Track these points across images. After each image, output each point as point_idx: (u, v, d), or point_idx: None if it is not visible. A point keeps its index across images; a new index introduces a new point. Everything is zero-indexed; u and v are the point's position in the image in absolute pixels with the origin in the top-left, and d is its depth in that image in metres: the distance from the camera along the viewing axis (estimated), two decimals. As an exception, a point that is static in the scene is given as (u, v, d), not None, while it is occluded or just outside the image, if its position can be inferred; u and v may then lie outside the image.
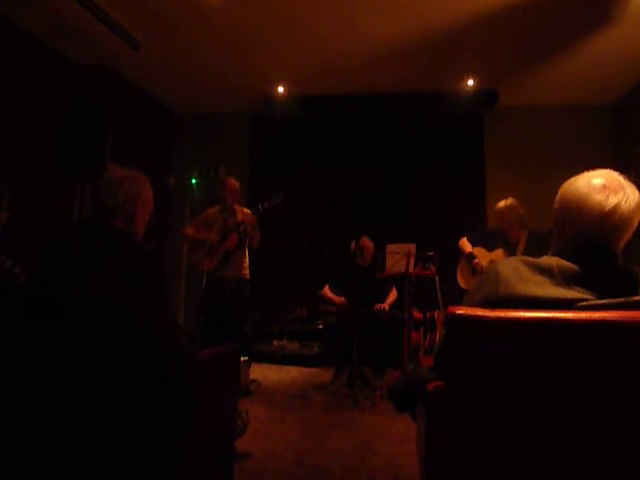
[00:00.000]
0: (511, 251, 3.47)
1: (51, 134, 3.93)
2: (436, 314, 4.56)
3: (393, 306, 4.29)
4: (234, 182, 3.98)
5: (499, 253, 3.54)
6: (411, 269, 3.85)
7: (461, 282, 3.75)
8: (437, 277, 4.08)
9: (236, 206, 3.99)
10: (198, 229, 3.91)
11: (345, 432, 2.85)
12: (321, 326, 5.08)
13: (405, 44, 4.31)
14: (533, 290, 1.06)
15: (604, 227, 1.08)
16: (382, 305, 4.21)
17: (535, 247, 3.21)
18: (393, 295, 4.36)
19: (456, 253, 3.83)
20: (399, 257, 3.85)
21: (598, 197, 1.09)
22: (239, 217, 3.90)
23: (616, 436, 0.99)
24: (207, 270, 3.75)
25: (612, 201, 1.07)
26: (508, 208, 3.51)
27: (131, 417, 1.22)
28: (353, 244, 4.33)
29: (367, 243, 4.37)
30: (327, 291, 4.42)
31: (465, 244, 3.74)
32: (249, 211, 3.94)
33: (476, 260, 3.60)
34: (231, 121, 6.04)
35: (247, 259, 3.98)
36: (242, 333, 3.82)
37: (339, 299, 4.28)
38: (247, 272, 3.97)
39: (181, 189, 5.94)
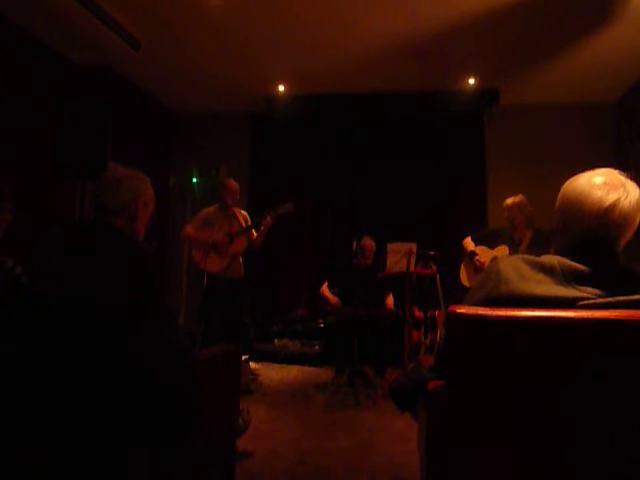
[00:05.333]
0: (515, 248, 3.47)
1: (52, 134, 3.93)
2: (437, 313, 4.57)
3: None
4: (235, 184, 4.00)
5: (502, 249, 3.55)
6: (412, 268, 3.86)
7: (464, 280, 3.76)
8: (438, 276, 4.08)
9: (235, 208, 4.01)
10: (198, 229, 3.93)
11: (346, 431, 2.85)
12: (322, 325, 5.09)
13: (406, 43, 4.30)
14: (534, 289, 1.06)
15: (604, 223, 1.08)
16: (389, 305, 4.26)
17: (538, 246, 3.21)
18: (390, 300, 4.39)
19: (458, 252, 3.85)
20: (400, 256, 3.85)
21: (598, 193, 1.09)
22: (241, 220, 3.96)
23: (617, 435, 0.99)
24: (214, 271, 3.80)
25: (612, 197, 1.08)
26: (516, 205, 3.48)
27: (132, 417, 1.22)
28: (355, 244, 4.32)
29: (369, 243, 4.36)
30: (325, 289, 4.42)
31: (468, 243, 3.75)
32: (246, 213, 4.03)
33: (477, 257, 3.61)
34: (232, 120, 6.04)
35: (241, 259, 4.04)
36: (243, 331, 3.85)
37: (334, 300, 4.29)
38: (243, 271, 4.03)
39: (182, 189, 5.95)
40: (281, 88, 5.29)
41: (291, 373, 4.48)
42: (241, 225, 3.93)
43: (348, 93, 5.37)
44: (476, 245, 3.72)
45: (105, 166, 1.61)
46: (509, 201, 3.53)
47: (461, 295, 1.24)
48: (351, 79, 5.06)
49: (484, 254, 3.63)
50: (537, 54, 4.46)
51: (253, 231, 3.91)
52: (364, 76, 4.98)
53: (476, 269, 3.62)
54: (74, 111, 2.41)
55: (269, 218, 3.79)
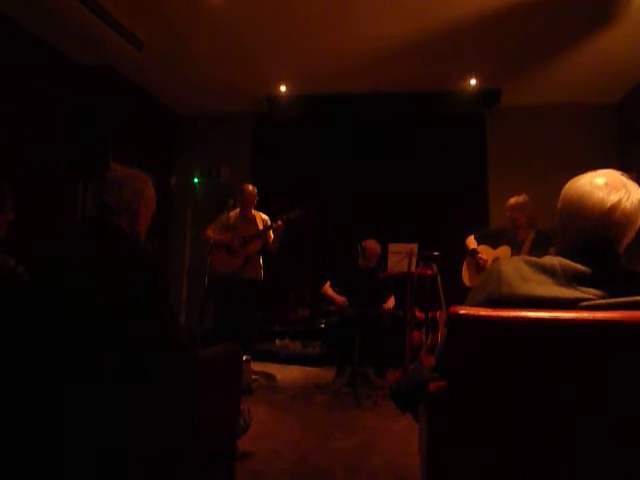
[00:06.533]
0: (517, 248, 3.45)
1: (54, 134, 3.94)
2: (438, 314, 4.56)
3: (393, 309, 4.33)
4: (252, 188, 4.12)
5: (504, 250, 3.52)
6: (413, 269, 3.85)
7: (465, 279, 3.75)
8: (439, 277, 4.07)
9: (254, 212, 4.13)
10: (217, 231, 4.06)
11: (346, 432, 2.85)
12: (323, 326, 5.08)
13: (407, 44, 4.30)
14: (535, 290, 1.06)
15: (606, 224, 1.08)
16: (387, 306, 4.24)
17: (540, 247, 3.20)
18: (392, 302, 4.38)
19: (459, 253, 3.84)
20: (401, 257, 3.84)
21: (600, 194, 1.09)
22: (259, 223, 4.07)
23: (618, 435, 0.99)
24: (227, 271, 3.94)
25: (613, 198, 1.07)
26: (519, 205, 3.43)
27: (132, 415, 1.22)
28: (357, 245, 4.35)
29: (372, 245, 4.35)
30: (328, 289, 4.42)
31: (471, 241, 3.73)
32: (267, 217, 4.14)
33: (479, 255, 3.59)
34: (233, 120, 6.05)
35: (261, 260, 4.16)
36: (247, 331, 3.93)
37: (340, 299, 4.28)
38: (262, 272, 4.16)
39: (183, 189, 5.96)
40: (283, 88, 5.29)
41: (292, 373, 4.48)
42: (258, 229, 4.04)
43: (350, 93, 5.37)
44: (479, 244, 3.70)
45: (107, 166, 1.61)
46: (512, 201, 3.48)
47: (462, 296, 1.24)
48: (353, 79, 5.06)
49: (486, 253, 3.61)
50: (538, 55, 4.46)
51: (271, 233, 4.01)
52: (366, 77, 4.98)
53: (478, 267, 3.61)
54: (76, 111, 2.42)
55: (280, 222, 3.90)
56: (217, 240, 4.00)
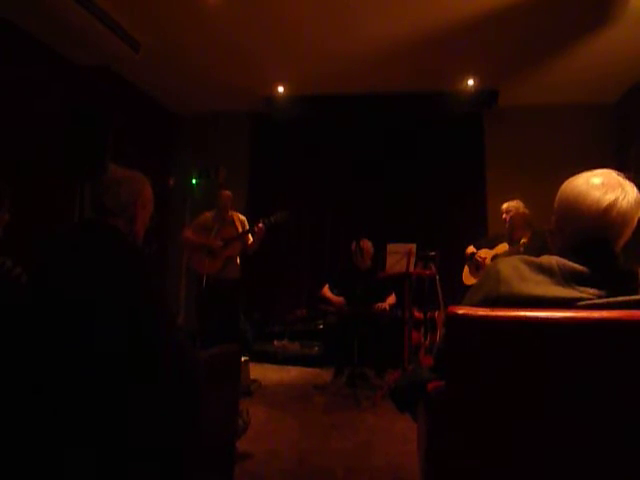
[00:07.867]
0: (515, 245, 3.52)
1: (52, 135, 3.93)
2: (437, 314, 4.57)
3: (393, 307, 4.31)
4: (228, 193, 4.10)
5: (503, 246, 3.60)
6: (411, 269, 3.86)
7: (465, 279, 3.82)
8: (437, 277, 4.08)
9: (231, 212, 4.11)
10: (196, 232, 4.04)
11: (346, 432, 2.85)
12: (321, 326, 5.08)
13: (405, 44, 4.31)
14: (533, 289, 1.06)
15: (602, 224, 1.08)
16: (382, 304, 4.22)
17: (535, 247, 3.24)
18: (392, 299, 4.38)
19: (457, 253, 3.91)
20: (399, 257, 3.85)
21: (596, 194, 1.09)
22: (237, 225, 4.05)
23: (617, 435, 0.99)
24: (209, 273, 3.90)
25: (610, 197, 1.08)
26: (513, 208, 3.59)
27: (132, 417, 1.22)
28: (354, 245, 4.35)
29: (367, 245, 4.37)
30: (326, 291, 4.43)
31: (470, 250, 3.84)
32: (244, 217, 4.13)
33: (477, 255, 3.68)
34: (231, 121, 6.04)
35: (238, 261, 4.13)
36: (242, 332, 3.91)
37: (337, 299, 4.30)
38: (240, 272, 4.13)
39: (181, 190, 5.95)
40: (280, 89, 5.29)
41: (290, 374, 4.48)
42: (237, 230, 4.02)
43: (347, 94, 5.37)
44: (477, 250, 3.80)
45: (105, 167, 1.61)
46: (505, 205, 3.65)
47: (461, 296, 1.24)
48: (350, 80, 5.06)
49: (485, 253, 3.70)
50: (536, 55, 4.47)
51: (250, 236, 3.99)
52: (363, 77, 4.98)
53: (477, 267, 3.67)
54: (74, 112, 2.41)
55: (261, 225, 3.85)
56: (197, 242, 3.96)
